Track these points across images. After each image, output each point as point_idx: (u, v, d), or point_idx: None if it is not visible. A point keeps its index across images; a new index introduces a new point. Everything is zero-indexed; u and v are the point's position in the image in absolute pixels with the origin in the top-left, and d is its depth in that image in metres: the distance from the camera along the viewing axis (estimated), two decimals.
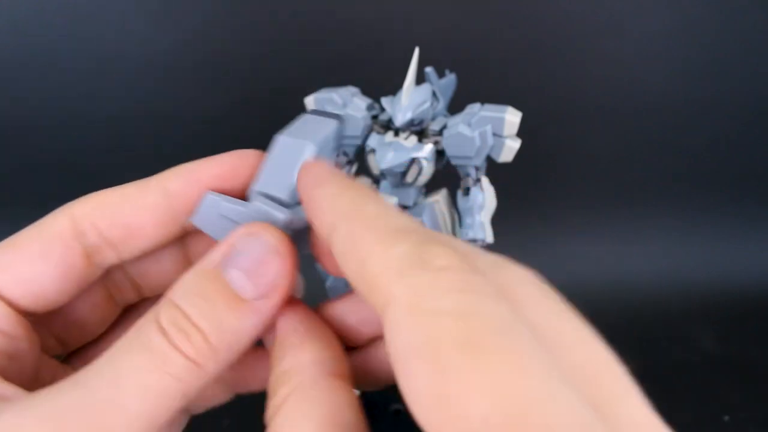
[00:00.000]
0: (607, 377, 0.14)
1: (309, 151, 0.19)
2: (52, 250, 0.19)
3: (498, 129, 0.30)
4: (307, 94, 0.33)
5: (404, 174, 0.31)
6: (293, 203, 0.19)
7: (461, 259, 0.14)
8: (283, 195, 0.19)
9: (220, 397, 0.22)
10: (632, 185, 0.58)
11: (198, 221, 0.19)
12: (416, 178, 0.31)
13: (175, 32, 0.52)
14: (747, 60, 0.55)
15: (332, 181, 0.17)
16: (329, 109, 0.32)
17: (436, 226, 0.32)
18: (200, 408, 0.22)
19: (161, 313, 0.17)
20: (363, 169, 0.33)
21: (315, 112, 0.20)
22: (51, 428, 0.15)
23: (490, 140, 0.30)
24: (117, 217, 0.19)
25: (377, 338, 0.21)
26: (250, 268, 0.17)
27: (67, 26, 0.51)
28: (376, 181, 0.33)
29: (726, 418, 0.41)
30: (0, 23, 0.51)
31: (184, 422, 0.22)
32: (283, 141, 0.19)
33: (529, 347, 0.12)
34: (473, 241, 0.31)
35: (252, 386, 0.22)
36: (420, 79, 0.31)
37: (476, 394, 0.11)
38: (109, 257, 0.20)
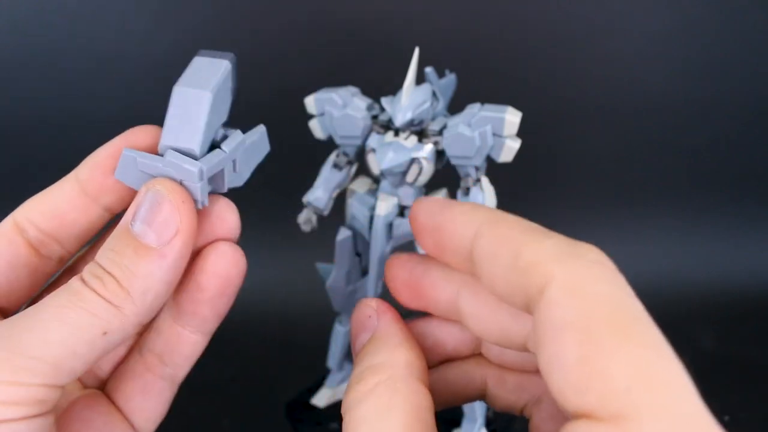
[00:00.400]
0: None
1: (206, 100, 0.20)
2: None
3: (498, 129, 0.30)
4: (307, 94, 0.33)
5: (404, 174, 0.31)
6: (201, 153, 0.20)
7: (607, 258, 0.17)
8: (191, 146, 0.20)
9: (192, 342, 0.23)
10: (632, 185, 0.58)
11: (120, 176, 0.21)
12: (416, 178, 0.31)
13: (175, 32, 0.52)
14: (747, 60, 0.55)
15: (456, 203, 0.20)
16: (328, 108, 0.32)
17: None
18: (180, 365, 0.23)
19: (84, 270, 0.19)
20: (363, 169, 0.33)
21: (206, 53, 0.21)
22: None
23: (490, 140, 0.30)
24: (46, 210, 0.22)
25: (443, 363, 0.23)
26: (149, 218, 0.19)
27: (67, 26, 0.51)
28: (376, 181, 0.33)
29: (726, 418, 0.41)
30: (0, 23, 0.51)
31: (171, 389, 0.23)
32: (180, 92, 0.20)
33: (660, 336, 0.15)
34: None
35: (213, 313, 0.23)
36: (420, 79, 0.31)
37: (622, 365, 0.14)
38: (55, 248, 0.22)
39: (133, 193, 0.21)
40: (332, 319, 0.37)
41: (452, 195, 0.33)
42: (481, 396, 0.22)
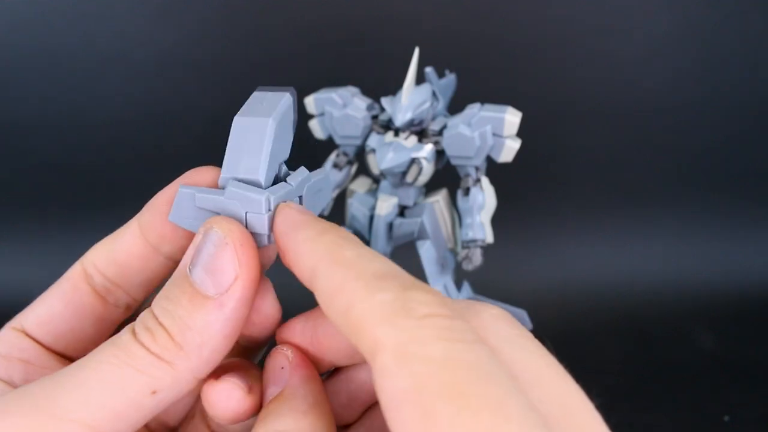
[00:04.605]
0: (581, 415, 0.15)
1: (269, 128, 0.19)
2: (63, 292, 0.21)
3: (498, 129, 0.30)
4: (307, 94, 0.33)
5: (404, 174, 0.31)
6: (267, 183, 0.19)
7: (443, 305, 0.15)
8: (255, 176, 0.19)
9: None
10: (632, 185, 0.58)
11: (175, 218, 0.19)
12: (416, 178, 0.31)
13: (175, 32, 0.52)
14: (747, 60, 0.55)
15: (308, 224, 0.18)
16: (328, 108, 0.32)
17: (436, 226, 0.32)
18: None
19: (138, 319, 0.18)
20: (363, 169, 0.33)
21: (264, 89, 0.20)
22: (7, 413, 0.16)
23: (490, 140, 0.30)
24: (110, 257, 0.21)
25: (366, 411, 0.21)
26: (207, 263, 0.17)
27: (67, 26, 0.51)
28: (376, 181, 0.33)
29: (726, 418, 0.41)
30: (0, 23, 0.51)
31: None
32: (241, 122, 0.19)
33: (509, 393, 0.13)
34: (473, 240, 0.31)
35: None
36: (420, 79, 0.31)
37: None
38: (121, 295, 0.21)
39: (191, 239, 0.20)
40: None
41: (452, 195, 0.33)
42: None
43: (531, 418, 0.13)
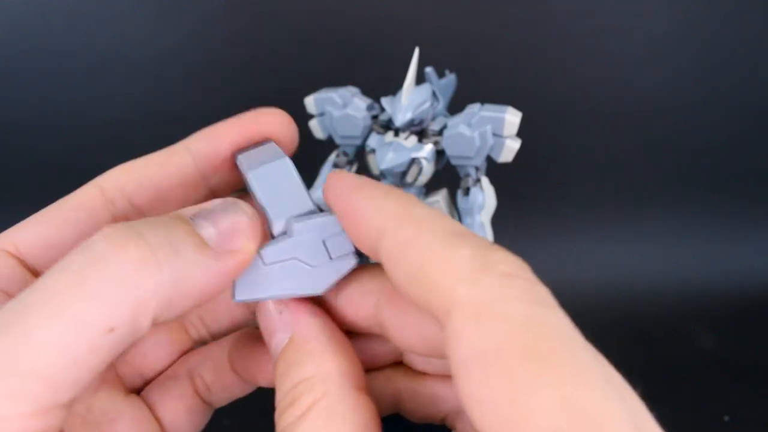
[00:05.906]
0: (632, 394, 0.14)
1: (290, 165, 0.18)
2: (77, 221, 0.18)
3: (498, 129, 0.30)
4: (307, 94, 0.33)
5: (404, 174, 0.31)
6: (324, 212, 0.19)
7: (524, 268, 0.14)
8: (309, 206, 0.18)
9: (243, 386, 0.21)
10: (632, 185, 0.58)
11: (243, 294, 0.17)
12: (416, 178, 0.31)
13: (175, 32, 0.52)
14: (747, 60, 0.55)
15: (371, 185, 0.17)
16: (328, 108, 0.32)
17: None
18: (225, 400, 0.22)
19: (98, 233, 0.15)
20: (363, 169, 0.33)
21: (240, 151, 0.19)
22: None
23: (490, 140, 0.30)
24: (145, 181, 0.18)
25: (369, 336, 0.20)
26: (214, 218, 0.16)
27: (67, 26, 0.51)
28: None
29: (726, 418, 0.41)
30: (0, 23, 0.51)
31: (209, 415, 0.22)
32: (259, 173, 0.18)
33: (592, 361, 0.13)
34: None
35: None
36: (420, 79, 0.31)
37: (546, 404, 0.12)
38: None
39: (240, 177, 0.18)
40: None
41: (452, 195, 0.33)
42: (396, 409, 0.20)
43: (611, 388, 0.12)
